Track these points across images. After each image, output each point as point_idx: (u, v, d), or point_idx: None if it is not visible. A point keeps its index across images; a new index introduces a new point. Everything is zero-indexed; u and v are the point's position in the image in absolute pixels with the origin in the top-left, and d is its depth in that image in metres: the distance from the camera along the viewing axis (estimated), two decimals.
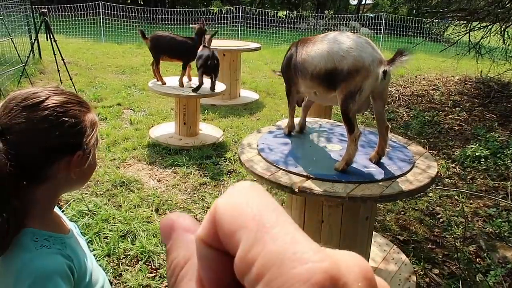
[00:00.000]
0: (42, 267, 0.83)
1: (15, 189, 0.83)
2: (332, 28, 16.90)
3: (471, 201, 3.43)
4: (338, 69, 1.87)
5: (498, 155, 4.19)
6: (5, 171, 0.79)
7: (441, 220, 3.13)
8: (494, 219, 3.11)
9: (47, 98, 0.88)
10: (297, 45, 2.15)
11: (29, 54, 6.64)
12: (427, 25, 14.97)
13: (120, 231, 2.76)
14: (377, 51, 1.94)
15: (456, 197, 3.49)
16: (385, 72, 1.89)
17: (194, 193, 3.39)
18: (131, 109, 5.60)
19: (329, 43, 1.92)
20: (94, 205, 3.08)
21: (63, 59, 6.22)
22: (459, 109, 6.07)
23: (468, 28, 7.55)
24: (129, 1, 24.39)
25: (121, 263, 2.48)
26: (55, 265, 0.85)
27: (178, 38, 4.62)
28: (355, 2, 27.85)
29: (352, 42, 1.89)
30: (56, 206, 1.07)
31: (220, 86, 4.60)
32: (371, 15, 18.56)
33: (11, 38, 6.21)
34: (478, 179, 3.83)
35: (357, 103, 1.92)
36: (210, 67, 4.12)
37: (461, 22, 8.05)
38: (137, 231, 2.78)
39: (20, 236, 0.86)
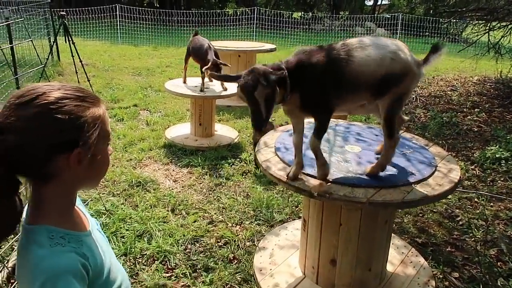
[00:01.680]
0: (54, 265, 0.83)
1: (8, 191, 0.83)
2: (348, 29, 16.79)
3: (491, 204, 3.36)
4: (390, 73, 1.79)
5: None
6: None
7: (460, 222, 3.07)
8: None
9: (41, 95, 0.85)
10: (326, 61, 1.79)
11: (48, 56, 6.75)
12: (445, 25, 14.76)
13: (137, 231, 2.78)
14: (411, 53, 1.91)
15: (476, 200, 3.41)
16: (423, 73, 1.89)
17: (209, 194, 3.39)
18: (147, 110, 5.65)
19: (376, 48, 1.80)
20: (111, 204, 3.10)
21: (81, 61, 6.29)
22: (478, 110, 5.96)
23: (487, 27, 7.41)
24: (145, 4, 24.65)
25: (138, 263, 2.49)
26: (68, 264, 0.84)
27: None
28: (370, 3, 27.60)
29: (395, 46, 1.85)
30: (81, 202, 1.09)
31: (235, 87, 4.60)
32: (387, 15, 18.37)
33: (31, 40, 6.32)
34: (499, 181, 3.75)
35: (402, 107, 1.91)
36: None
37: (480, 21, 7.90)
38: (153, 231, 2.79)
39: (35, 233, 0.87)
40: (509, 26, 7.18)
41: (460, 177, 1.97)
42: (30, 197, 0.92)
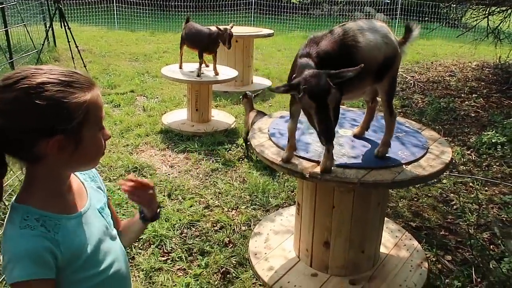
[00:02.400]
0: (17, 247, 0.86)
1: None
2: (347, 14, 16.64)
3: (486, 188, 3.38)
4: (387, 57, 1.80)
5: None
6: None
7: (455, 207, 3.10)
8: (510, 206, 3.06)
9: (22, 79, 0.85)
10: (338, 48, 1.75)
11: (44, 42, 6.70)
12: (445, 10, 14.63)
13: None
14: None
15: (471, 184, 3.43)
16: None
17: (206, 179, 3.41)
18: (144, 96, 5.63)
19: (372, 32, 1.79)
20: (108, 189, 3.12)
21: (77, 47, 6.26)
22: (476, 95, 5.94)
23: (486, 12, 7.35)
24: None
25: (134, 247, 2.52)
26: (30, 248, 0.86)
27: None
28: None
29: (384, 28, 1.86)
30: (93, 176, 1.12)
31: (232, 72, 4.59)
32: (387, 0, 18.20)
33: (24, 24, 6.25)
34: (494, 166, 3.77)
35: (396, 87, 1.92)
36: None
37: (480, 6, 7.83)
38: None
39: (16, 211, 0.90)
40: (509, 11, 7.13)
41: (451, 158, 1.98)
42: (24, 177, 0.94)
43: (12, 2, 6.31)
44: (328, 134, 1.52)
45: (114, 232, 1.12)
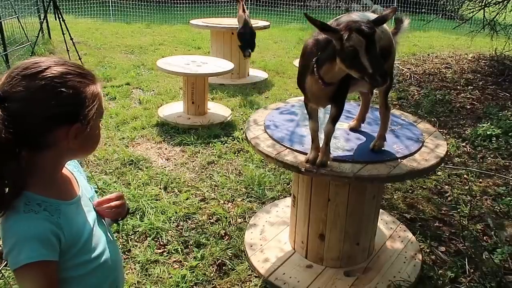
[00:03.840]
0: (23, 230, 0.88)
1: (13, 154, 0.88)
2: (343, 5, 16.58)
3: (480, 180, 3.40)
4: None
5: (510, 134, 4.12)
6: (1, 137, 0.83)
7: (449, 198, 3.12)
8: (503, 197, 3.09)
9: (47, 68, 0.89)
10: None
11: (38, 34, 6.65)
12: (441, 1, 14.59)
13: (129, 208, 2.80)
14: None
15: (465, 176, 3.46)
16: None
17: (202, 172, 3.41)
18: (140, 88, 5.61)
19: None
20: (104, 183, 3.12)
21: (72, 39, 6.22)
22: (472, 87, 5.96)
23: (482, 3, 7.34)
24: None
25: (130, 239, 2.53)
26: (37, 230, 0.89)
27: None
28: None
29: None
30: (78, 166, 1.14)
31: (228, 65, 4.58)
32: None
33: (17, 17, 6.20)
34: (489, 158, 3.79)
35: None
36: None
37: None
38: (145, 208, 2.81)
39: (17, 198, 0.92)
40: (504, 3, 7.12)
41: (446, 152, 2.00)
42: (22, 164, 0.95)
43: None
44: (383, 71, 1.42)
45: (103, 220, 1.15)
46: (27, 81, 0.87)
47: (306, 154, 1.91)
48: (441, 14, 13.85)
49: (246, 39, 5.66)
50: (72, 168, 1.11)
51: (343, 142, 2.06)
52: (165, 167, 3.46)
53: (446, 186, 3.28)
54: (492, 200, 3.10)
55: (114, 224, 1.30)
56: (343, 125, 2.26)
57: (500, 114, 4.68)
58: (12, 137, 0.85)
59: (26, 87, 0.87)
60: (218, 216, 2.81)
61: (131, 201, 2.89)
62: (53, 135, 0.91)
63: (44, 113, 0.88)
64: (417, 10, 14.66)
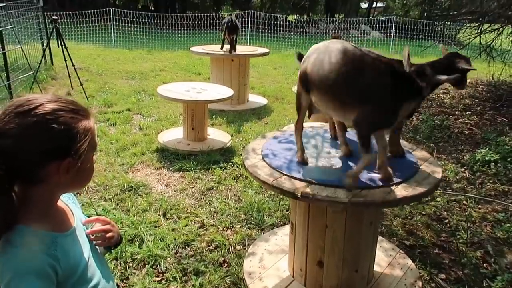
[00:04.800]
0: (21, 264, 0.89)
1: (4, 189, 0.90)
2: (343, 32, 16.88)
3: (479, 206, 3.40)
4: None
5: (509, 159, 4.14)
6: None
7: (448, 225, 3.11)
8: (503, 224, 3.08)
9: (39, 105, 0.92)
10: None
11: (41, 61, 6.76)
12: (439, 28, 14.86)
13: (128, 235, 2.79)
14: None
15: (464, 202, 3.45)
16: None
17: (201, 198, 3.42)
18: (140, 114, 5.67)
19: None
20: (103, 209, 3.12)
21: (73, 65, 6.32)
22: (470, 112, 6.01)
23: (479, 30, 7.48)
24: (140, 7, 24.68)
25: (128, 267, 2.51)
26: (34, 264, 0.90)
27: None
28: (365, 6, 27.76)
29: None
30: (72, 198, 1.16)
31: (228, 91, 4.64)
32: (382, 18, 18.47)
33: (21, 47, 6.33)
34: (488, 184, 3.79)
35: None
36: (230, 28, 5.90)
37: (472, 24, 7.97)
38: (144, 235, 2.81)
39: (12, 232, 0.92)
40: (500, 30, 7.26)
41: (441, 178, 2.01)
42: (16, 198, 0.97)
43: (10, 26, 6.39)
44: None
45: (98, 249, 1.17)
46: (20, 118, 0.90)
47: (303, 181, 1.92)
48: (438, 40, 14.08)
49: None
50: (67, 200, 1.13)
51: (339, 169, 2.07)
52: (164, 193, 3.46)
53: (445, 212, 3.28)
54: (492, 227, 3.09)
55: (107, 252, 1.31)
56: (339, 152, 2.28)
57: (499, 140, 4.71)
58: (3, 172, 0.88)
59: (18, 124, 0.90)
60: (217, 243, 2.80)
61: (130, 227, 2.89)
62: (45, 170, 0.93)
63: (35, 149, 0.91)
64: (415, 36, 14.92)
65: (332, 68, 1.84)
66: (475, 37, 7.48)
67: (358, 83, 1.82)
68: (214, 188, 3.58)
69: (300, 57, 2.12)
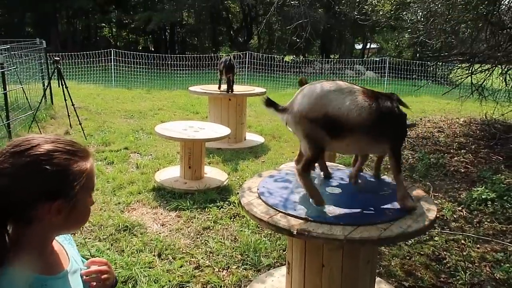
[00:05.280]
0: None
1: None
2: (338, 72, 17.27)
3: (478, 246, 3.37)
4: None
5: (505, 198, 4.14)
6: None
7: (447, 265, 3.07)
8: (502, 264, 3.04)
9: (35, 146, 0.93)
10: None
11: (41, 100, 6.86)
12: (431, 68, 15.24)
13: (122, 277, 2.74)
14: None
15: (463, 242, 3.42)
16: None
17: (197, 238, 3.38)
18: (138, 153, 5.69)
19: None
20: (97, 250, 3.08)
21: (73, 105, 6.41)
22: (465, 151, 6.06)
23: (470, 70, 7.67)
24: (140, 48, 25.30)
25: None
26: None
27: None
28: (360, 47, 28.55)
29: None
30: (69, 239, 1.14)
31: (225, 130, 4.69)
32: (376, 59, 18.96)
33: (22, 87, 6.44)
34: (485, 223, 3.78)
35: None
36: (228, 67, 6.08)
37: (464, 65, 8.18)
38: (138, 276, 2.75)
39: (1, 274, 0.90)
40: (490, 70, 7.44)
41: (436, 216, 2.01)
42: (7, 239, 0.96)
43: (12, 67, 6.52)
44: None
45: None
46: (15, 158, 0.91)
47: (299, 218, 1.92)
48: (431, 80, 14.40)
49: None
50: (62, 240, 1.12)
51: (335, 205, 2.07)
52: (160, 233, 3.42)
53: (444, 252, 3.24)
54: (491, 267, 3.05)
55: None
56: (334, 190, 2.29)
57: (495, 178, 4.73)
58: None
59: (12, 163, 0.91)
60: (213, 284, 2.74)
61: (124, 269, 2.83)
62: (36, 210, 0.93)
63: (27, 188, 0.91)
64: (408, 76, 15.27)
65: (368, 109, 1.95)
66: (467, 77, 7.66)
67: (385, 115, 2.00)
68: (210, 228, 3.55)
69: (270, 102, 2.09)
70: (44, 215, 0.94)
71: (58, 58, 6.52)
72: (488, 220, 3.81)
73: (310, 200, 2.06)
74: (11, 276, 0.91)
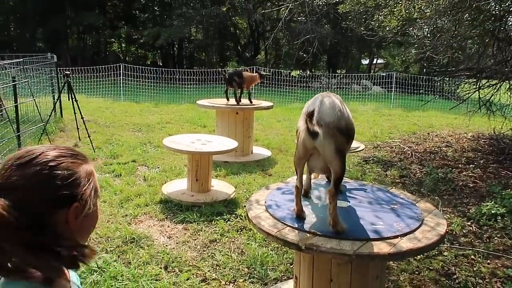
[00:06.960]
0: None
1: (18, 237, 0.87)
2: (345, 86, 17.31)
3: (488, 261, 3.32)
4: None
5: None
6: (13, 225, 0.84)
7: (457, 281, 3.02)
8: None
9: (40, 155, 0.93)
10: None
11: (51, 113, 6.94)
12: (438, 83, 15.23)
13: None
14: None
15: (472, 257, 3.38)
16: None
17: (204, 250, 3.37)
18: (145, 165, 5.72)
19: None
20: (104, 261, 3.08)
21: (82, 118, 6.47)
22: (473, 166, 6.02)
23: (477, 85, 7.66)
24: (149, 63, 25.60)
25: None
26: None
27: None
28: (366, 62, 28.66)
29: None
30: (78, 280, 1.10)
31: (232, 143, 4.71)
32: (382, 74, 19.00)
33: (33, 100, 6.54)
34: (495, 238, 3.73)
35: None
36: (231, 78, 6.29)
37: (471, 80, 8.18)
38: None
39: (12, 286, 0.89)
40: (498, 85, 7.43)
41: (446, 230, 1.99)
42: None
43: (25, 80, 6.64)
44: None
45: None
46: (22, 170, 0.90)
47: (307, 232, 1.91)
48: (438, 95, 14.38)
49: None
50: (75, 281, 1.08)
51: (344, 220, 2.06)
52: (166, 245, 3.42)
53: (454, 268, 3.20)
54: (502, 283, 3.00)
55: None
56: (342, 203, 2.29)
57: (504, 193, 4.68)
58: (21, 225, 0.85)
59: (21, 175, 0.89)
60: None
61: (131, 281, 2.83)
62: (53, 218, 0.91)
63: (42, 197, 0.89)
64: (415, 91, 15.26)
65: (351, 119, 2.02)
66: (474, 92, 7.65)
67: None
68: (217, 240, 3.54)
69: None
70: (61, 222, 0.92)
71: (69, 72, 6.62)
72: (498, 236, 3.77)
73: (331, 228, 1.92)
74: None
